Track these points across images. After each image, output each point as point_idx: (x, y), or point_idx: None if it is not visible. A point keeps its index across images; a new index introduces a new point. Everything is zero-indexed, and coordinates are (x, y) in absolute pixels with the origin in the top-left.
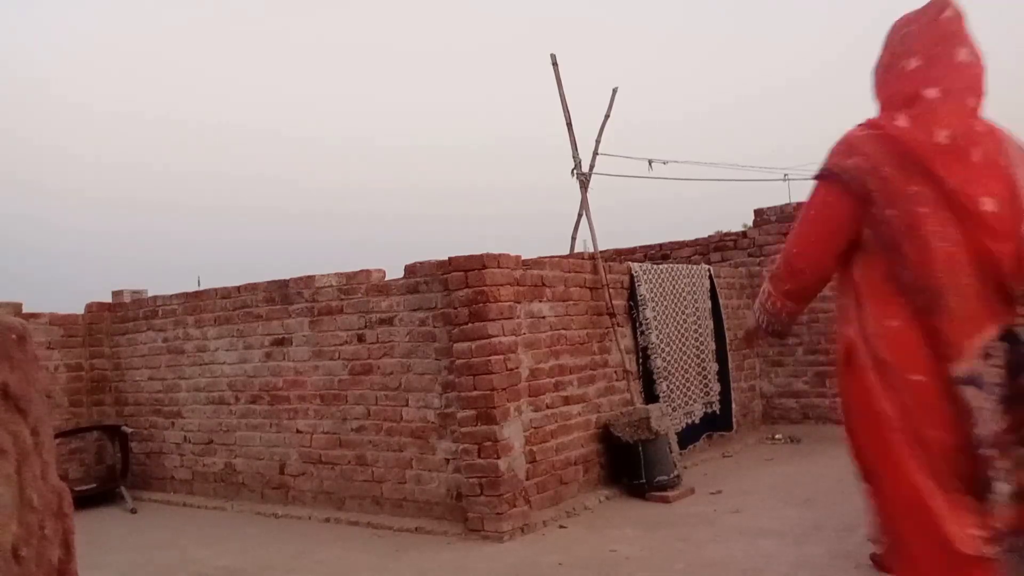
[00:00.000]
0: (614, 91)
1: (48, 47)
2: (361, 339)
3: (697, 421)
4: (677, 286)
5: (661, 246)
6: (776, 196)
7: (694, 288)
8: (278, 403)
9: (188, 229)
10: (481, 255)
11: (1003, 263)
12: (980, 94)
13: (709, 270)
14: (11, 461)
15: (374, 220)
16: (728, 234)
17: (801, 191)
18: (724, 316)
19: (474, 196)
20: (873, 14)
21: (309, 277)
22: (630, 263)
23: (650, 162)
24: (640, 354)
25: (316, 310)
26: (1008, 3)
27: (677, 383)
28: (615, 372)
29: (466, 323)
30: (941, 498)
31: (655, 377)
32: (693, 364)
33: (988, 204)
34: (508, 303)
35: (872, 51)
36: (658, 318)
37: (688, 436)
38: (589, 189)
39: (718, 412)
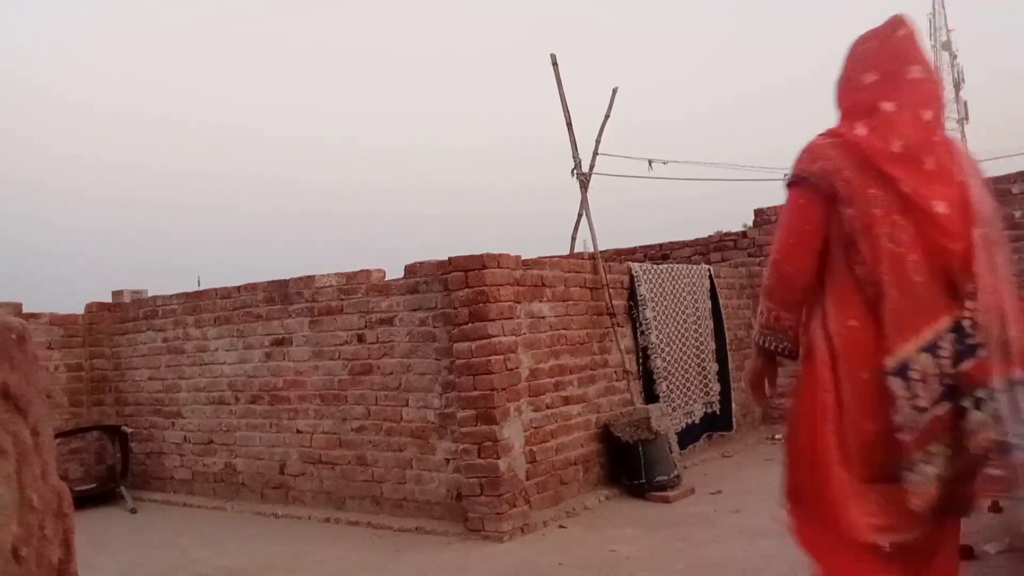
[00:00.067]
0: (614, 91)
1: (48, 47)
2: (361, 339)
3: (697, 421)
4: (677, 286)
5: (661, 246)
6: (776, 196)
7: (694, 288)
8: (278, 403)
9: (188, 229)
10: (481, 255)
11: (953, 261)
12: (935, 107)
13: (709, 270)
14: (11, 461)
15: (374, 220)
16: (728, 234)
17: None
18: (724, 316)
19: (474, 196)
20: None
21: (309, 277)
22: (630, 263)
23: (650, 162)
24: (640, 354)
25: (316, 310)
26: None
27: (677, 383)
28: (615, 372)
29: (466, 323)
30: (851, 487)
31: (655, 377)
32: (693, 364)
33: (940, 207)
34: (508, 303)
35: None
36: (658, 318)
37: (688, 436)
38: (589, 189)
39: (718, 412)
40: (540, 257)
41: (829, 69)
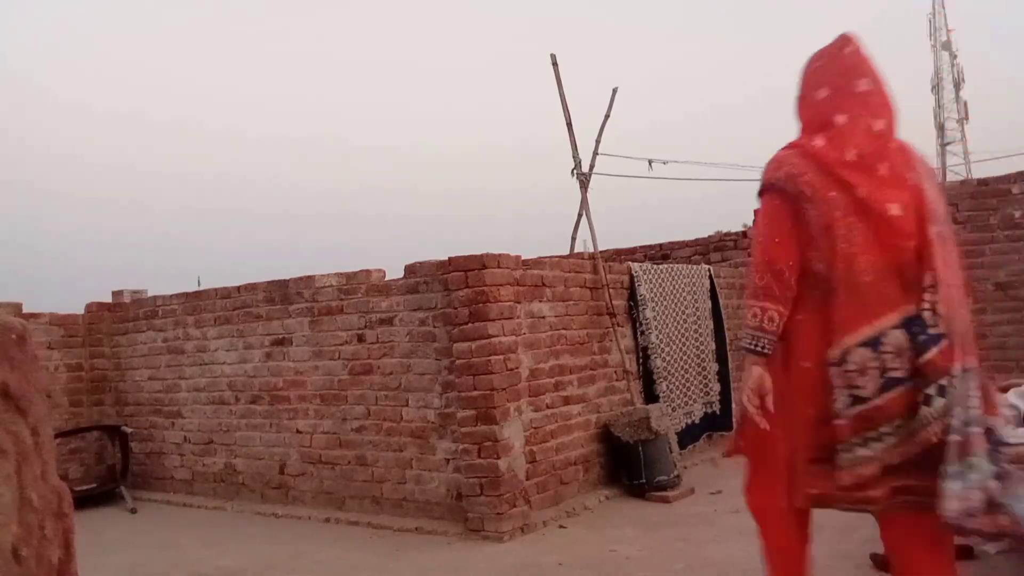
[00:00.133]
0: (614, 91)
1: (48, 47)
2: (361, 339)
3: (697, 421)
4: (677, 286)
5: (661, 246)
6: None
7: (694, 288)
8: (278, 403)
9: (188, 230)
10: (481, 255)
11: (907, 258)
12: (887, 116)
13: (709, 270)
14: (11, 461)
15: (374, 221)
16: (728, 234)
17: None
18: (724, 316)
19: (474, 197)
20: (872, 14)
21: (309, 277)
22: (630, 263)
23: (650, 162)
24: (640, 354)
25: (316, 310)
26: None
27: (677, 383)
28: (615, 372)
29: (466, 323)
30: (802, 460)
31: (655, 377)
32: (693, 364)
33: (895, 209)
34: (508, 303)
35: (871, 52)
36: (658, 318)
37: (688, 436)
38: (589, 189)
39: (718, 412)
40: (540, 257)
41: None
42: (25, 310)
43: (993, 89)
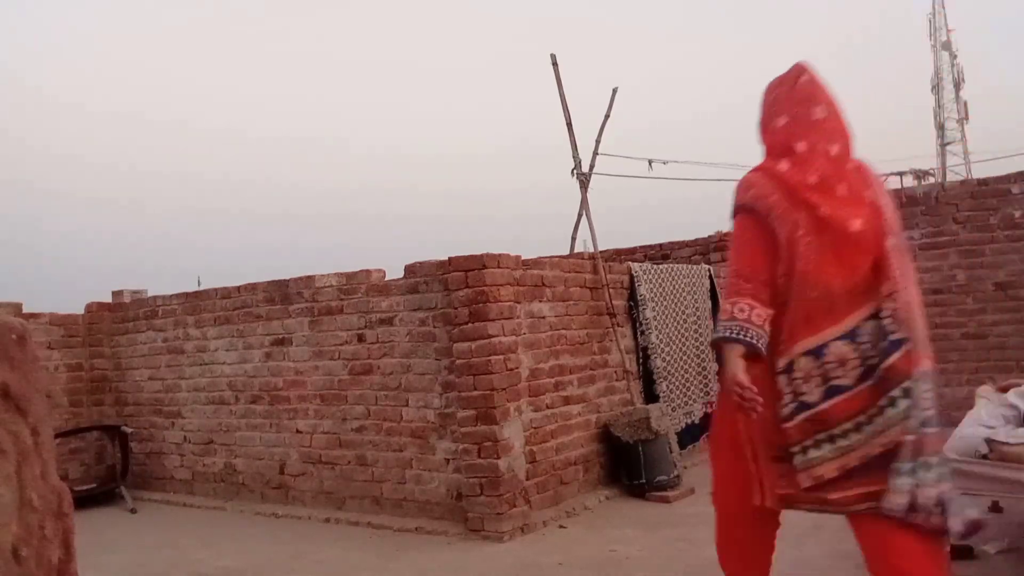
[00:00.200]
0: (614, 91)
1: (48, 48)
2: (361, 339)
3: (697, 421)
4: (677, 286)
5: (661, 246)
6: None
7: (694, 288)
8: (278, 403)
9: (188, 230)
10: (481, 255)
11: (860, 272)
12: (842, 140)
13: (709, 270)
14: (11, 461)
15: (374, 221)
16: (728, 234)
17: None
18: None
19: (474, 198)
20: (872, 15)
21: (309, 277)
22: (630, 263)
23: (650, 162)
24: (640, 354)
25: (316, 310)
26: None
27: (677, 383)
28: (615, 372)
29: (466, 323)
30: (765, 458)
31: (655, 377)
32: (693, 364)
33: (856, 224)
34: (508, 303)
35: (872, 53)
36: (658, 318)
37: (688, 436)
38: (589, 189)
39: None
40: (540, 257)
41: (830, 70)
42: (25, 310)
43: (993, 89)
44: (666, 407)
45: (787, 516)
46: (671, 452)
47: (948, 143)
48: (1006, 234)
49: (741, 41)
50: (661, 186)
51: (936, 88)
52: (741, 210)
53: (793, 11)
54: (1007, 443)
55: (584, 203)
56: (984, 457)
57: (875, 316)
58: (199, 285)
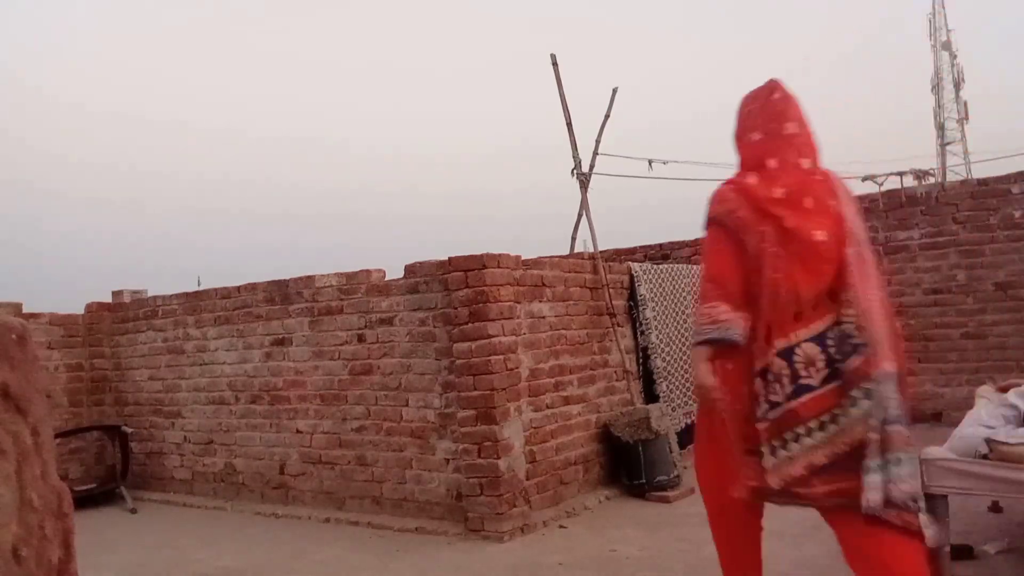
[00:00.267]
0: (614, 91)
1: (48, 48)
2: (361, 339)
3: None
4: (677, 286)
5: (661, 246)
6: None
7: (694, 288)
8: (278, 403)
9: (188, 230)
10: (481, 255)
11: (825, 279)
12: (811, 155)
13: None
14: (11, 461)
15: (374, 222)
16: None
17: None
18: None
19: (474, 198)
20: (872, 15)
21: (309, 277)
22: (630, 263)
23: (650, 162)
24: (640, 354)
25: (316, 310)
26: None
27: (677, 383)
28: (615, 372)
29: (466, 323)
30: (739, 451)
31: (655, 377)
32: None
33: (820, 235)
34: (508, 303)
35: (872, 53)
36: (658, 318)
37: (688, 436)
38: (589, 189)
39: None
40: (540, 257)
41: (831, 70)
42: (25, 310)
43: (993, 89)
44: (666, 407)
45: (787, 516)
46: (671, 452)
47: (948, 143)
48: (1006, 234)
49: (741, 41)
50: (661, 186)
51: (936, 88)
52: (712, 222)
53: (793, 11)
54: (1007, 443)
55: (584, 203)
56: (984, 457)
57: (839, 322)
58: (199, 285)
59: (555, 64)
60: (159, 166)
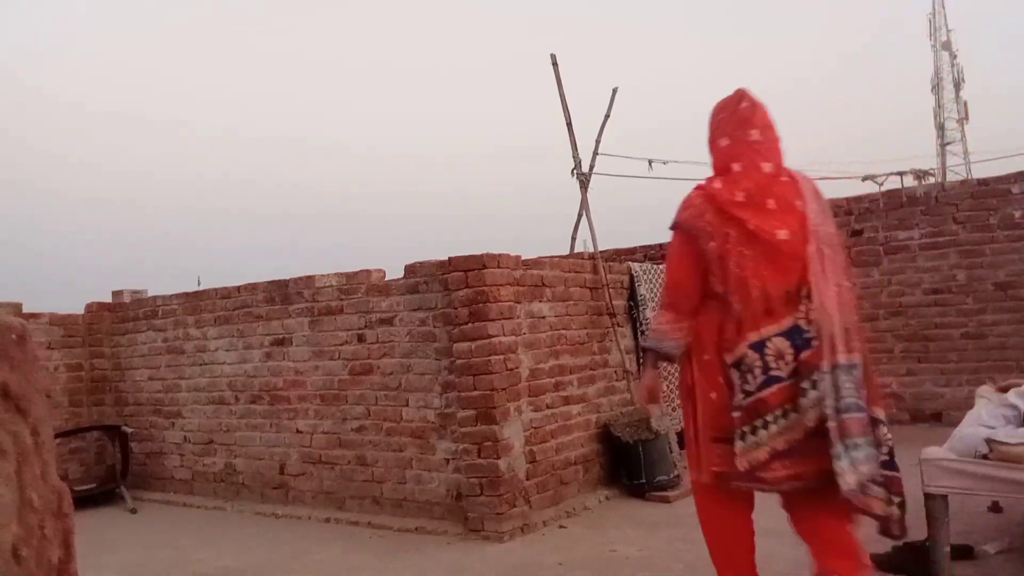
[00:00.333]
0: (614, 91)
1: (48, 48)
2: (361, 339)
3: None
4: None
5: (661, 246)
6: None
7: None
8: (278, 403)
9: (188, 230)
10: (481, 255)
11: (793, 275)
12: (774, 159)
13: None
14: (11, 461)
15: (374, 222)
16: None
17: None
18: None
19: (474, 198)
20: (872, 15)
21: (309, 277)
22: (630, 263)
23: (650, 162)
24: (640, 354)
25: (316, 310)
26: None
27: (677, 383)
28: (615, 372)
29: (466, 323)
30: (706, 439)
31: None
32: None
33: (782, 234)
34: (508, 303)
35: (872, 53)
36: None
37: None
38: (589, 189)
39: None
40: (540, 257)
41: (831, 70)
42: (25, 310)
43: (993, 89)
44: (666, 407)
45: (785, 514)
46: (671, 452)
47: (948, 143)
48: (1006, 234)
49: (741, 41)
50: (661, 186)
51: (936, 88)
52: (676, 228)
53: (793, 11)
54: (1007, 443)
55: (584, 203)
56: (984, 457)
57: (801, 317)
58: (199, 285)
59: (555, 64)
60: (159, 166)
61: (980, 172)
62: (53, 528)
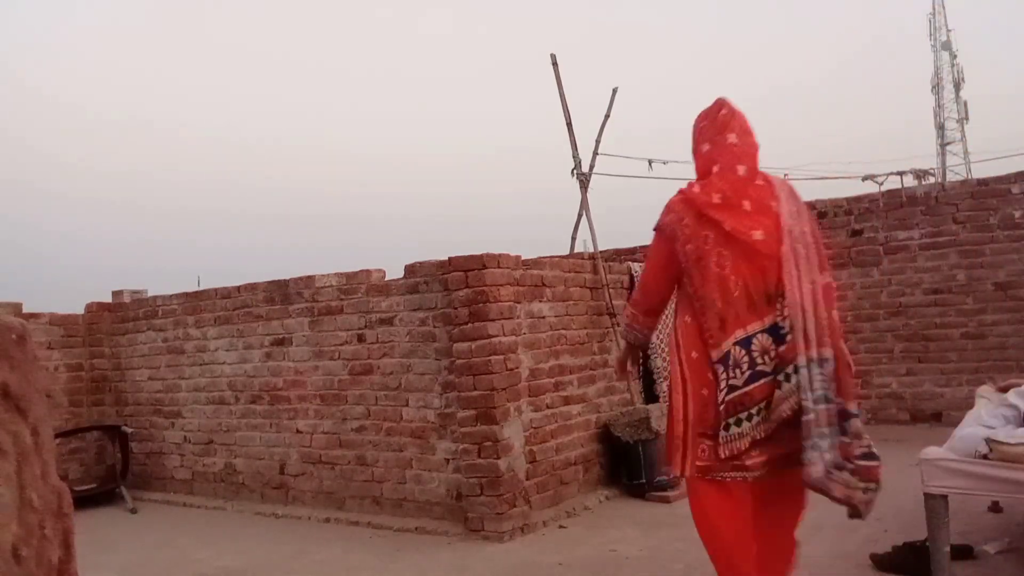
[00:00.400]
0: (614, 91)
1: (49, 48)
2: (361, 339)
3: None
4: None
5: None
6: None
7: None
8: (278, 403)
9: (188, 230)
10: (481, 255)
11: (772, 274)
12: (749, 162)
13: None
14: (11, 461)
15: (374, 222)
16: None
17: (800, 190)
18: None
19: (474, 199)
20: (873, 18)
21: (309, 277)
22: (630, 263)
23: (650, 162)
24: (640, 354)
25: (316, 310)
26: None
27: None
28: (615, 372)
29: (466, 323)
30: (692, 433)
31: (655, 377)
32: None
33: (758, 235)
34: (508, 303)
35: (872, 54)
36: None
37: None
38: (589, 189)
39: None
40: (540, 257)
41: (831, 70)
42: (25, 310)
43: (993, 89)
44: (666, 407)
45: None
46: None
47: (948, 143)
48: (1006, 234)
49: (741, 41)
50: (661, 186)
51: (936, 88)
52: (657, 230)
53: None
54: (1007, 443)
55: (584, 203)
56: (984, 457)
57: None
58: (199, 285)
59: (555, 64)
60: (159, 166)
61: (980, 172)
62: (53, 528)
